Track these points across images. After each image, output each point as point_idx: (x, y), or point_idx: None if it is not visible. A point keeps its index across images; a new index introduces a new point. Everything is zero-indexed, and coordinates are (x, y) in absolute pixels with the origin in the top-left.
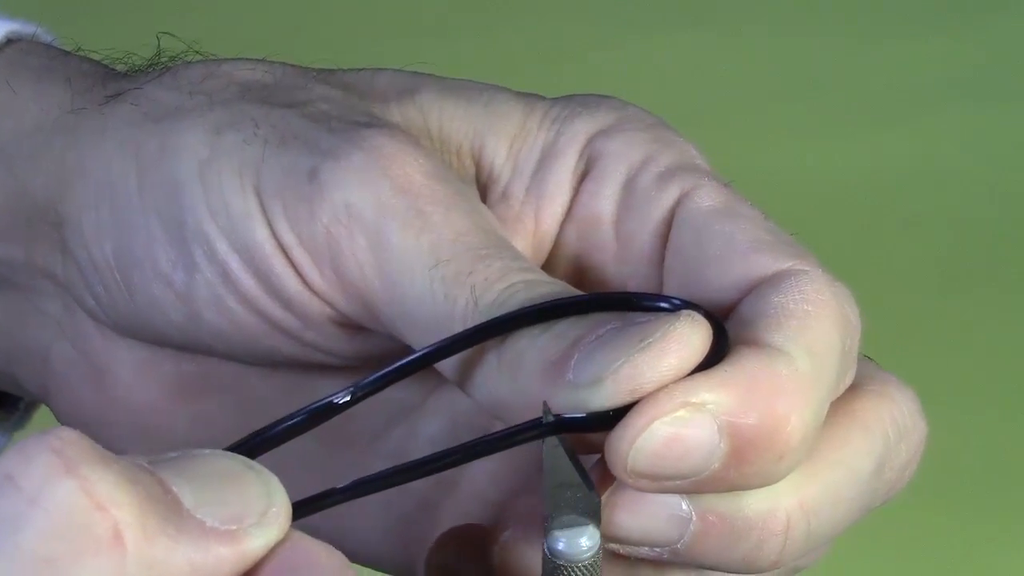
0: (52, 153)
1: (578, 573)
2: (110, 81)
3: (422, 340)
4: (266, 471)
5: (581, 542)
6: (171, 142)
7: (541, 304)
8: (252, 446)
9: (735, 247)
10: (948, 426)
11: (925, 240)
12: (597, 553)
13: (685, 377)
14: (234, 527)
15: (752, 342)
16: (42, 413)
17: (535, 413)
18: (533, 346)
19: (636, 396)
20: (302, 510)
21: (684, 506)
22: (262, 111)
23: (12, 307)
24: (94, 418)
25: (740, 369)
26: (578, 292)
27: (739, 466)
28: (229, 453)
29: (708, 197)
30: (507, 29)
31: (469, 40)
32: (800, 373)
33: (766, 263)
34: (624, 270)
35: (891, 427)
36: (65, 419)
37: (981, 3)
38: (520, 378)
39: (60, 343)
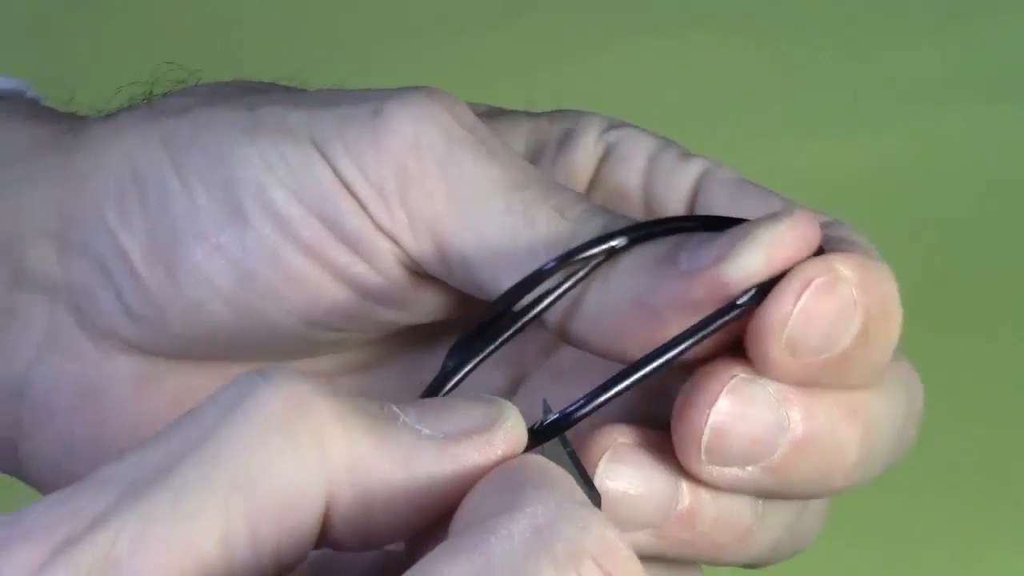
0: (51, 168)
1: None
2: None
3: (494, 268)
4: (500, 399)
5: None
6: (204, 121)
7: (640, 222)
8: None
9: (771, 204)
10: (947, 426)
11: (924, 240)
12: None
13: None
14: (455, 437)
15: (838, 247)
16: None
17: (647, 322)
18: (633, 256)
19: (774, 264)
20: (543, 435)
21: (783, 412)
22: (294, 95)
23: None
24: (85, 443)
25: (857, 254)
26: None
27: (863, 347)
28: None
29: (731, 173)
30: (504, 31)
31: (465, 42)
32: (892, 274)
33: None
34: None
35: (911, 382)
36: (49, 454)
37: (980, 3)
38: (624, 285)
39: (40, 370)
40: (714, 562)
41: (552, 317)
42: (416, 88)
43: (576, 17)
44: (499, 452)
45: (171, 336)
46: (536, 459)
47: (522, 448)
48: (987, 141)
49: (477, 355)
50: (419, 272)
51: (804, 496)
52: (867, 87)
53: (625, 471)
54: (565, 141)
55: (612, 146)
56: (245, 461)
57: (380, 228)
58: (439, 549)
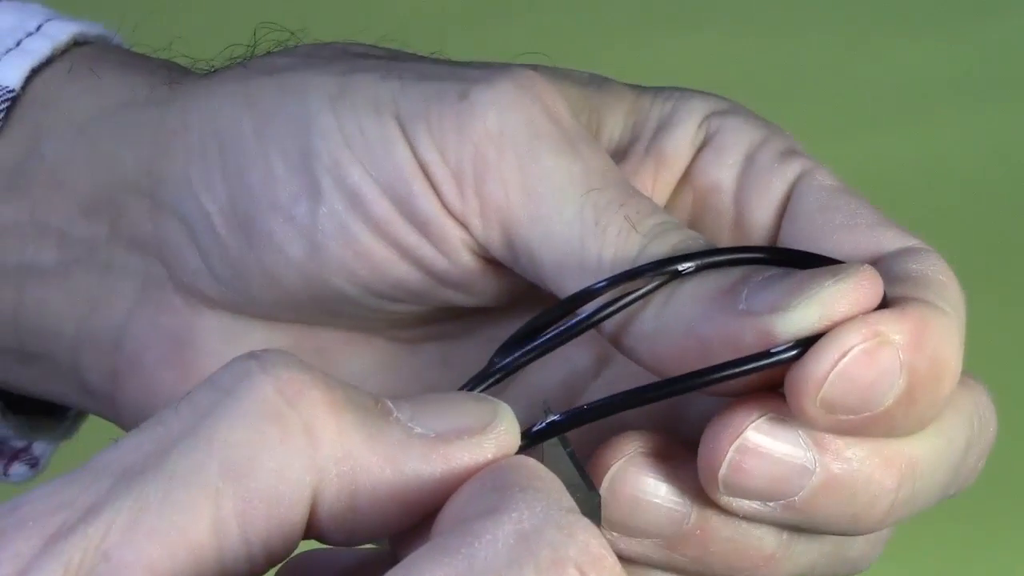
0: (145, 122)
1: None
2: (202, 71)
3: (559, 267)
4: (497, 400)
5: None
6: (292, 85)
7: (711, 248)
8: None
9: (862, 219)
10: None
11: (924, 240)
12: None
13: (867, 313)
14: (446, 436)
15: (903, 297)
16: (89, 424)
17: (697, 351)
18: (696, 282)
19: (825, 324)
20: (543, 435)
21: (810, 456)
22: (391, 62)
23: (82, 293)
24: (174, 396)
25: (914, 311)
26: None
27: (907, 404)
28: (465, 392)
29: (829, 177)
30: (509, 30)
31: (469, 41)
32: (954, 324)
33: (894, 238)
34: (738, 236)
35: (975, 413)
36: (138, 405)
37: (980, 3)
38: (682, 310)
39: (136, 322)
40: None
41: (608, 327)
42: (507, 71)
43: (576, 17)
44: (489, 454)
45: (250, 297)
46: (525, 462)
47: (514, 451)
48: (987, 141)
49: (525, 356)
50: (486, 258)
51: (834, 533)
52: (867, 87)
53: (636, 478)
54: (664, 126)
55: (712, 136)
56: (235, 450)
57: (451, 212)
58: (423, 550)
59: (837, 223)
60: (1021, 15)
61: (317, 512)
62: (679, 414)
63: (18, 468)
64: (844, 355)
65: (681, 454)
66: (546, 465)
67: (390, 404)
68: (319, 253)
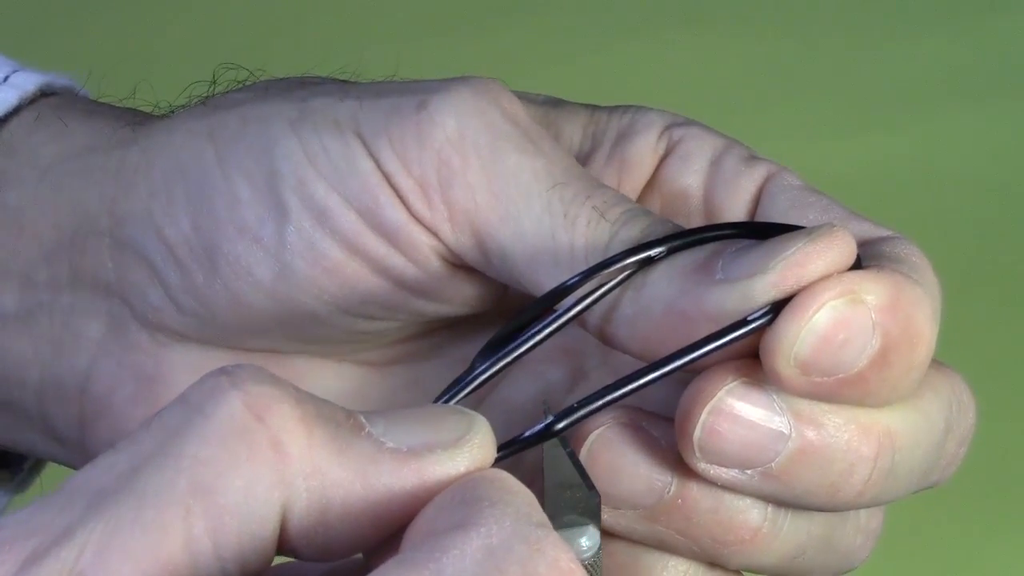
0: (108, 164)
1: None
2: (164, 114)
3: (532, 263)
4: (473, 412)
5: (581, 542)
6: (253, 115)
7: (681, 231)
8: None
9: (835, 214)
10: None
11: (924, 240)
12: (597, 553)
13: (840, 273)
14: (418, 450)
15: (878, 265)
16: (49, 472)
17: (680, 327)
18: (670, 261)
19: (801, 285)
20: (511, 448)
21: (785, 421)
22: (347, 86)
23: (45, 338)
24: None
25: (889, 275)
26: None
27: (881, 369)
28: (440, 404)
29: (795, 179)
30: (505, 32)
31: (466, 43)
32: (928, 296)
33: (868, 229)
34: None
35: (954, 398)
36: (106, 448)
37: (980, 3)
38: (660, 289)
39: (102, 363)
40: (730, 563)
41: (592, 320)
42: (464, 80)
43: (576, 17)
44: (462, 467)
45: (219, 327)
46: (497, 475)
47: (488, 463)
48: (987, 141)
49: (505, 358)
50: (457, 264)
51: (815, 507)
52: (868, 87)
53: (612, 448)
54: (624, 137)
55: (674, 144)
56: (204, 467)
57: (419, 221)
58: (390, 563)
59: (811, 219)
60: (1021, 13)
61: (287, 527)
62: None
63: None
64: (816, 312)
65: (661, 425)
66: (546, 465)
67: (362, 418)
68: (288, 273)
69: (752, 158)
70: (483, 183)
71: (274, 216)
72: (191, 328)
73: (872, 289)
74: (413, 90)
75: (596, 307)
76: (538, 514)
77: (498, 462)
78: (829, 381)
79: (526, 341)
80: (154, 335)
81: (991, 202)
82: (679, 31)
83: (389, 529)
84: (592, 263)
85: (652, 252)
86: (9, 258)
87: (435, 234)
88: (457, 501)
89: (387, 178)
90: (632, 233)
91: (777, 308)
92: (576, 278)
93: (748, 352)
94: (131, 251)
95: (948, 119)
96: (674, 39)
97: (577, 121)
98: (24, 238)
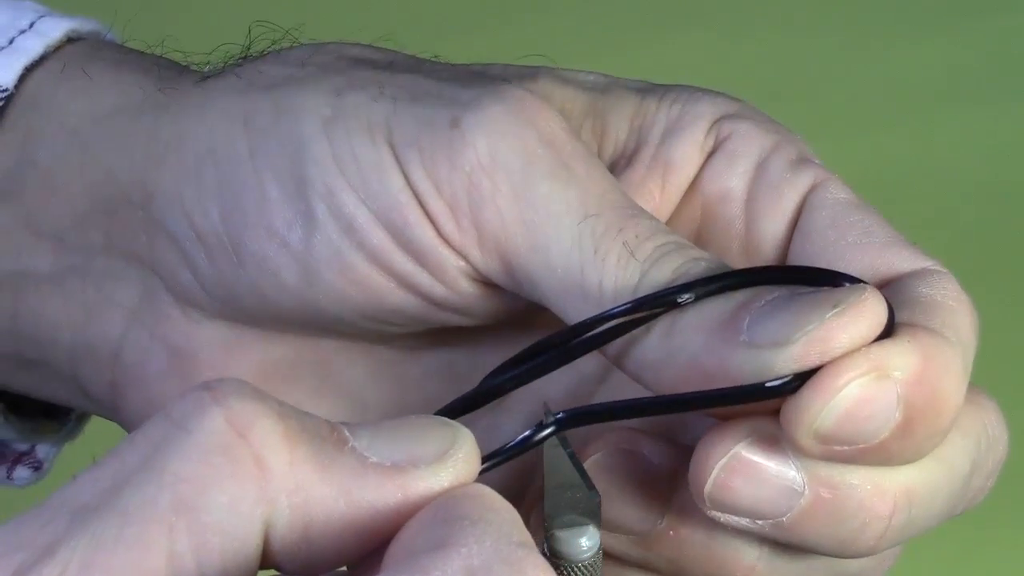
0: (138, 131)
1: (578, 573)
2: (195, 72)
3: (561, 295)
4: (458, 425)
5: (581, 542)
6: (287, 104)
7: (710, 275)
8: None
9: (875, 238)
10: None
11: (924, 240)
12: (597, 553)
13: (868, 345)
14: (401, 465)
15: (910, 324)
16: (93, 424)
17: (702, 381)
18: (697, 310)
19: (825, 359)
20: (496, 460)
21: (798, 478)
22: (384, 75)
23: (78, 301)
24: None
25: (918, 343)
26: (727, 264)
27: (903, 438)
28: (427, 415)
29: (841, 190)
30: (507, 32)
31: (468, 43)
32: (958, 356)
33: (907, 259)
34: (748, 247)
35: (983, 434)
36: (141, 415)
37: (980, 3)
38: (685, 341)
39: (134, 333)
40: None
41: (611, 350)
42: (499, 96)
43: (575, 18)
44: (446, 483)
45: (245, 313)
46: (479, 491)
47: (472, 478)
48: (987, 141)
49: (512, 382)
50: (486, 283)
51: (824, 555)
52: (868, 87)
53: (609, 474)
54: (671, 131)
55: (722, 141)
56: (186, 484)
57: (448, 243)
58: None
59: (849, 241)
60: (1021, 13)
61: (271, 543)
62: (680, 420)
63: (22, 472)
64: (840, 390)
65: (663, 451)
66: (546, 465)
67: (347, 432)
68: (314, 279)
69: (800, 161)
70: (513, 211)
71: (303, 222)
72: (221, 309)
73: (900, 365)
74: (448, 100)
75: (617, 341)
76: (520, 533)
77: (484, 472)
78: (849, 450)
79: (534, 368)
80: (186, 310)
81: (991, 202)
82: (679, 32)
83: (372, 544)
84: (619, 302)
85: (680, 299)
86: (42, 219)
87: (464, 256)
88: (439, 519)
89: (417, 197)
90: (663, 275)
91: (802, 377)
92: (601, 316)
93: (767, 409)
94: (163, 231)
95: (948, 119)
96: (673, 40)
97: (624, 112)
98: (56, 200)
